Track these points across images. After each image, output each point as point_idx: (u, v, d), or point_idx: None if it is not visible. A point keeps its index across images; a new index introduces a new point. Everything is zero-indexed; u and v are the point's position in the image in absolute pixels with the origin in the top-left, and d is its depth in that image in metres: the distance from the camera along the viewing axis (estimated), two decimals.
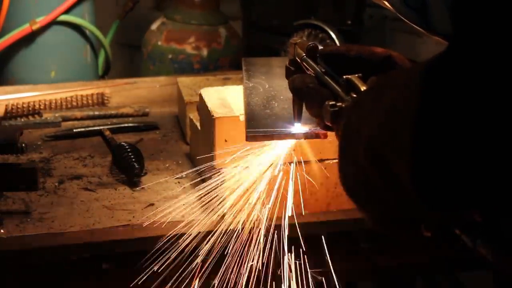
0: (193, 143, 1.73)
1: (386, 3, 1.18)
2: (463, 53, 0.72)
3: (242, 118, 1.43)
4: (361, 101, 0.91)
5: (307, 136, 1.28)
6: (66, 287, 1.43)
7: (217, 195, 1.45)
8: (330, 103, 1.03)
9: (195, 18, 2.55)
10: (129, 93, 2.17)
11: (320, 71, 1.14)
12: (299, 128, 1.28)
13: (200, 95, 1.56)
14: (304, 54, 1.20)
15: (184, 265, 1.35)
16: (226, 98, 1.52)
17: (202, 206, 1.48)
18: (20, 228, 1.43)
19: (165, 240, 1.35)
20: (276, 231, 1.40)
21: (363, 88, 0.99)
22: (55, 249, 1.39)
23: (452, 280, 2.29)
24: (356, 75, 1.02)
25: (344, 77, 1.03)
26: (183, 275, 1.35)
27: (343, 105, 1.02)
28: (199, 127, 1.61)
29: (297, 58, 1.23)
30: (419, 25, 1.14)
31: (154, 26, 2.59)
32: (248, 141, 1.35)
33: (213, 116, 1.45)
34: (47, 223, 1.45)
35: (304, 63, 1.20)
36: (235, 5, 2.74)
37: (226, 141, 1.44)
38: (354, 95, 1.00)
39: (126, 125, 1.92)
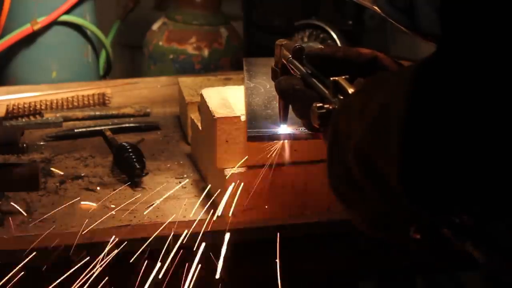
0: (194, 144, 1.73)
1: (374, 6, 1.18)
2: (452, 55, 0.71)
3: (243, 118, 1.43)
4: (350, 104, 0.91)
5: (309, 136, 1.28)
6: (66, 287, 1.43)
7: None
8: (318, 105, 1.02)
9: (196, 18, 2.55)
10: (130, 93, 2.17)
11: (306, 73, 1.13)
12: (300, 128, 1.28)
13: (201, 95, 1.56)
14: (290, 56, 1.19)
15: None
16: (227, 98, 1.52)
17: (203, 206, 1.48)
18: (21, 228, 1.44)
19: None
20: (275, 231, 1.40)
21: (350, 90, 0.99)
22: (56, 249, 1.39)
23: (452, 280, 2.29)
24: (343, 77, 1.02)
25: (331, 79, 1.03)
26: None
27: (331, 107, 1.01)
28: (200, 127, 1.62)
29: (283, 60, 1.22)
30: (406, 27, 1.13)
31: (155, 26, 2.59)
32: (249, 142, 1.36)
33: (214, 116, 1.45)
34: (48, 223, 1.45)
35: (290, 65, 1.19)
36: (236, 6, 2.74)
37: (227, 141, 1.44)
38: (342, 97, 1.00)
39: (127, 125, 1.92)
